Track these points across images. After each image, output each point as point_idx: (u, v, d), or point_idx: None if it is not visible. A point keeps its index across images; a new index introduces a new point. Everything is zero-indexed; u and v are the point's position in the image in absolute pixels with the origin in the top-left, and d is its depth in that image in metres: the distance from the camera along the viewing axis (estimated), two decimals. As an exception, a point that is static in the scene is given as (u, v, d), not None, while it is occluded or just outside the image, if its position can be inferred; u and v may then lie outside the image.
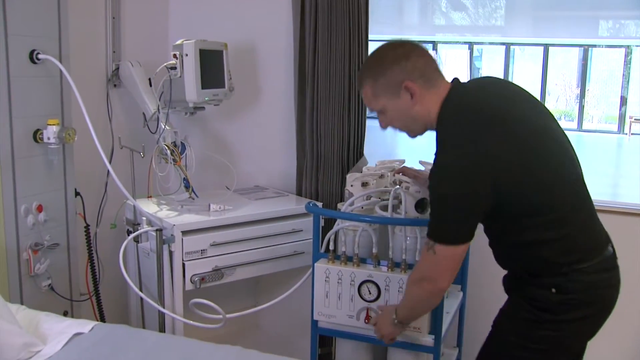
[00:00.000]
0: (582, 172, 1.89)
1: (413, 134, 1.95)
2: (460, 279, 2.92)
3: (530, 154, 1.73)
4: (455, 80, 1.89)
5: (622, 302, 2.93)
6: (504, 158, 1.69)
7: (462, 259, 1.78)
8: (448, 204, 1.73)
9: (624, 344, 2.95)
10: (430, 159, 2.78)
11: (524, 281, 1.90)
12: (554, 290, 1.80)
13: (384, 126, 1.95)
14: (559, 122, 1.94)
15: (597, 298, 1.86)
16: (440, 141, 1.79)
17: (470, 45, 13.36)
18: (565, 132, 1.91)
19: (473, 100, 1.81)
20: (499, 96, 1.84)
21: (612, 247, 1.92)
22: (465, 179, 1.69)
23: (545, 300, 1.82)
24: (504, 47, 13.67)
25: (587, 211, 1.87)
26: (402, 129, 1.94)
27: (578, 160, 1.90)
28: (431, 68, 1.84)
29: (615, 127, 13.64)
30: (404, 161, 2.78)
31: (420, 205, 2.47)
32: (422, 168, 2.70)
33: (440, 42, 13.13)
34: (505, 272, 2.09)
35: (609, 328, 2.91)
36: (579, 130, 13.90)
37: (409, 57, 1.83)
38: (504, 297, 3.11)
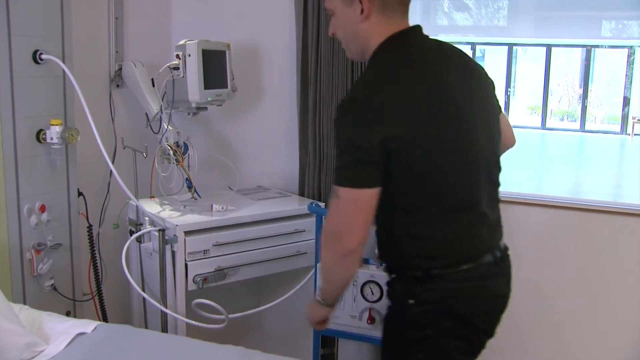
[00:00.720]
0: (497, 173, 1.83)
1: (350, 53, 1.85)
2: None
3: (436, 138, 1.64)
4: (417, 26, 1.78)
5: (623, 303, 2.94)
6: (406, 126, 1.60)
7: (367, 209, 1.62)
8: (349, 145, 1.63)
9: (624, 345, 2.94)
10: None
11: (390, 285, 1.82)
12: (411, 301, 1.71)
13: (331, 32, 1.84)
14: (503, 117, 1.89)
15: (461, 308, 1.72)
16: (363, 73, 1.72)
17: (473, 45, 13.34)
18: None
19: (412, 57, 1.71)
20: (437, 69, 1.71)
21: (501, 253, 1.80)
22: (366, 122, 1.60)
23: (405, 313, 1.74)
24: (507, 47, 13.67)
25: (479, 213, 1.74)
26: (342, 43, 1.84)
27: (496, 162, 1.83)
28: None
29: (618, 128, 13.64)
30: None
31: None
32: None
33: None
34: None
35: (609, 329, 2.91)
36: (582, 131, 13.89)
37: None
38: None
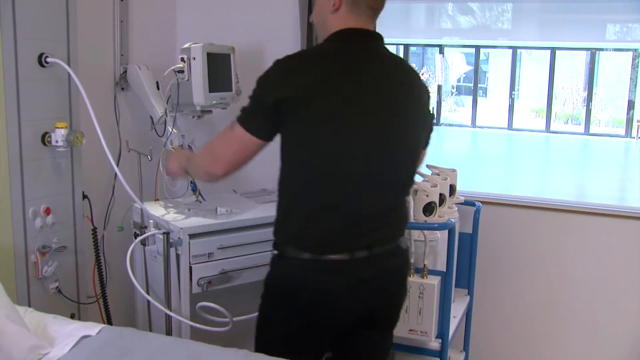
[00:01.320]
0: (394, 179, 1.87)
1: (319, 39, 1.95)
2: (467, 282, 2.92)
3: (333, 140, 1.76)
4: (376, 33, 1.89)
5: (627, 305, 2.94)
6: (301, 95, 1.74)
7: (247, 152, 1.86)
8: (253, 95, 1.82)
9: (624, 347, 2.94)
10: (439, 163, 2.79)
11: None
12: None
13: (311, 18, 2.00)
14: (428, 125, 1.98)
15: (301, 297, 1.84)
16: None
17: (477, 48, 13.36)
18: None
19: (347, 52, 1.82)
20: (365, 73, 1.81)
21: (373, 256, 1.84)
22: (270, 87, 1.78)
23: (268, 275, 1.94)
24: (511, 50, 13.66)
25: (353, 212, 1.81)
26: (315, 28, 2.01)
27: (400, 167, 1.88)
28: (365, 3, 1.83)
29: (622, 131, 13.62)
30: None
31: (428, 209, 2.47)
32: (429, 172, 2.70)
33: (446, 45, 13.14)
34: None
35: (608, 331, 2.91)
36: (586, 134, 13.87)
37: None
38: (510, 302, 3.13)
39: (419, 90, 1.93)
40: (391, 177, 1.85)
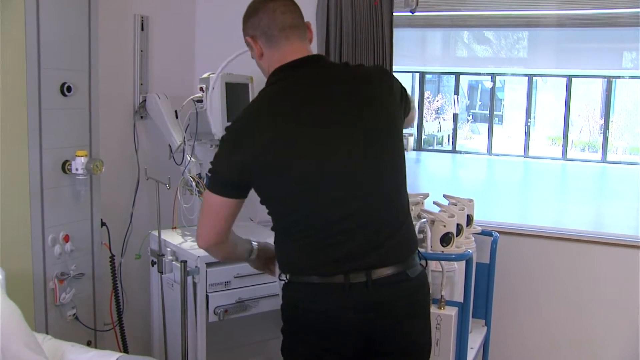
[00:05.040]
0: (376, 190, 1.80)
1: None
2: (484, 313, 2.90)
3: (286, 176, 1.77)
4: (310, 56, 1.86)
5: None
6: (259, 152, 1.76)
7: (218, 214, 1.85)
8: (216, 157, 1.84)
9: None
10: (454, 193, 2.79)
11: None
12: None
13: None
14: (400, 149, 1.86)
15: (302, 318, 1.84)
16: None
17: (493, 76, 13.37)
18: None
19: (284, 91, 1.83)
20: (306, 103, 1.79)
21: (369, 280, 1.78)
22: (228, 147, 1.81)
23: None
24: (527, 78, 13.66)
25: (331, 228, 1.78)
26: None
27: (369, 182, 1.79)
28: (275, 27, 1.83)
29: (640, 159, 13.49)
30: (428, 195, 2.77)
31: (445, 240, 2.47)
32: (446, 202, 2.70)
33: (462, 73, 13.17)
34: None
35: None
36: (604, 162, 13.78)
37: (257, 12, 1.85)
38: (528, 332, 3.10)
39: (371, 86, 1.85)
40: (372, 188, 1.79)
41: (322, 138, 1.76)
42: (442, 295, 2.45)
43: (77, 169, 2.46)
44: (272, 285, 2.66)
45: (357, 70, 1.95)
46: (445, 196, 2.71)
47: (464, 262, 2.54)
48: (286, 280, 1.87)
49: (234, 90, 2.75)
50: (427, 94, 13.19)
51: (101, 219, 2.69)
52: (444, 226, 2.47)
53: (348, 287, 1.77)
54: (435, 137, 13.33)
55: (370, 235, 1.78)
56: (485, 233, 2.87)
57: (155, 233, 2.73)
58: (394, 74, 2.38)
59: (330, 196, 1.76)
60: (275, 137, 1.75)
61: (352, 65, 1.97)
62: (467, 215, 2.65)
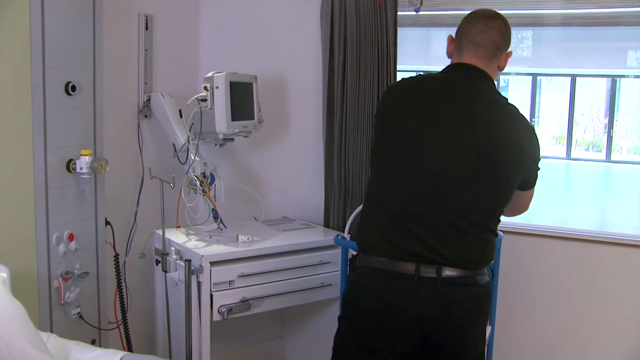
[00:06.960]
0: (454, 195, 1.89)
1: None
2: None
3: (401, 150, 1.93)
4: (471, 66, 2.03)
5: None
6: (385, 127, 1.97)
7: None
8: None
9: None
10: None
11: None
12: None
13: None
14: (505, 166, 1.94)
15: (364, 301, 1.92)
16: None
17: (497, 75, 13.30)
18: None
19: (441, 80, 2.04)
20: (445, 98, 1.97)
21: (439, 276, 1.86)
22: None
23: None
24: (531, 77, 13.63)
25: (412, 217, 1.88)
26: None
27: (460, 180, 1.90)
28: (466, 39, 2.03)
29: (645, 158, 13.43)
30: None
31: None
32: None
33: (466, 72, 13.14)
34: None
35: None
36: (608, 161, 13.73)
37: (467, 19, 2.06)
38: (533, 332, 3.09)
39: (511, 129, 2.02)
40: (472, 193, 1.91)
41: (448, 135, 1.89)
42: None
43: (81, 168, 2.46)
44: (276, 284, 2.66)
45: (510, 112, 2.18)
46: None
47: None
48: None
49: (238, 89, 2.75)
50: (431, 93, 13.12)
51: (105, 218, 2.69)
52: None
53: (417, 280, 1.83)
54: (439, 137, 13.27)
55: (452, 233, 1.87)
56: (490, 232, 2.86)
57: (160, 232, 2.73)
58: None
59: (432, 186, 1.87)
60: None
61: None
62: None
